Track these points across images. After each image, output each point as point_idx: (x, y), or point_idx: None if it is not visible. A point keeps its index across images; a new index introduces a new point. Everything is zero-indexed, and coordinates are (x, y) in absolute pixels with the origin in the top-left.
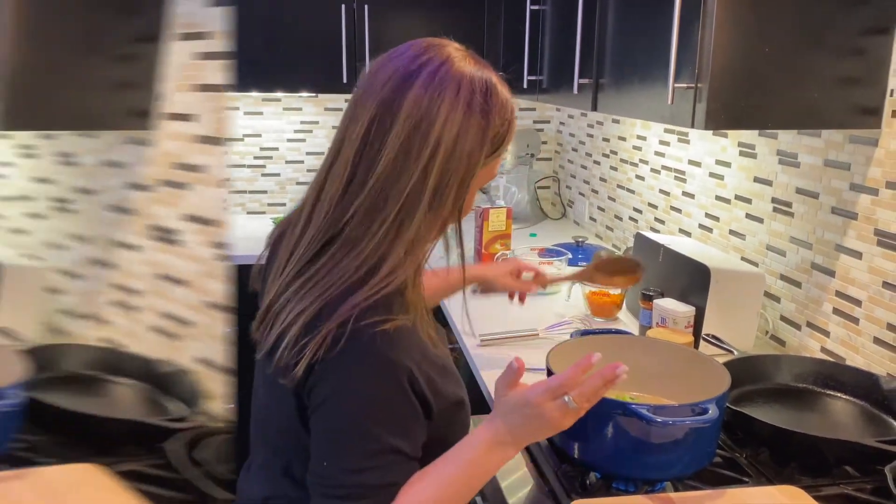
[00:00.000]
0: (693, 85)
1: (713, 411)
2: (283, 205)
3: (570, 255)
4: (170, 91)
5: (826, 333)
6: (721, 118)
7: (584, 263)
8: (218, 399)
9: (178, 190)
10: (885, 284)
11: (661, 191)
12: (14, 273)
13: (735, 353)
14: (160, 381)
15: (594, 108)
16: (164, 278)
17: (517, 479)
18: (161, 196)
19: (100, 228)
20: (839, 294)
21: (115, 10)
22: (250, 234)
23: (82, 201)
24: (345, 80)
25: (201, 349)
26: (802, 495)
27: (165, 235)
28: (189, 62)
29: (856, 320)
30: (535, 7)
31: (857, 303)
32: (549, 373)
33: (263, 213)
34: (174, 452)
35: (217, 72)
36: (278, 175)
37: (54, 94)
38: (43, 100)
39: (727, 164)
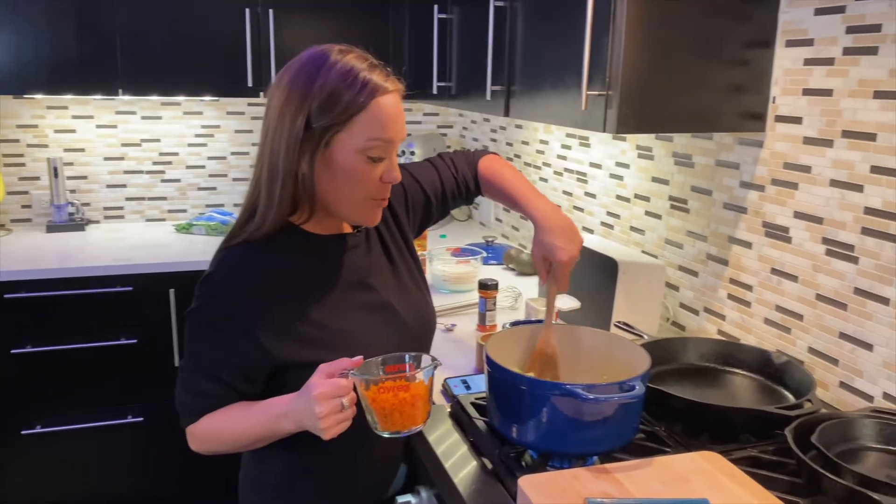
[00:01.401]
0: (604, 92)
1: (639, 388)
2: (184, 211)
3: (485, 254)
4: (779, 94)
5: (722, 317)
6: (630, 123)
7: (496, 262)
8: (828, 387)
9: (788, 189)
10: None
11: (565, 192)
12: (631, 269)
13: (645, 337)
14: (773, 371)
15: (507, 114)
16: (775, 273)
17: (463, 463)
18: (772, 195)
19: (714, 226)
20: (733, 281)
21: (731, 16)
22: (150, 241)
23: (697, 200)
24: (250, 84)
25: (811, 340)
26: (720, 459)
27: (776, 232)
28: (795, 67)
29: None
30: (443, 15)
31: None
32: (489, 359)
33: (163, 220)
34: (787, 438)
35: (823, 77)
36: (178, 181)
37: (672, 98)
38: (661, 103)
39: (626, 166)
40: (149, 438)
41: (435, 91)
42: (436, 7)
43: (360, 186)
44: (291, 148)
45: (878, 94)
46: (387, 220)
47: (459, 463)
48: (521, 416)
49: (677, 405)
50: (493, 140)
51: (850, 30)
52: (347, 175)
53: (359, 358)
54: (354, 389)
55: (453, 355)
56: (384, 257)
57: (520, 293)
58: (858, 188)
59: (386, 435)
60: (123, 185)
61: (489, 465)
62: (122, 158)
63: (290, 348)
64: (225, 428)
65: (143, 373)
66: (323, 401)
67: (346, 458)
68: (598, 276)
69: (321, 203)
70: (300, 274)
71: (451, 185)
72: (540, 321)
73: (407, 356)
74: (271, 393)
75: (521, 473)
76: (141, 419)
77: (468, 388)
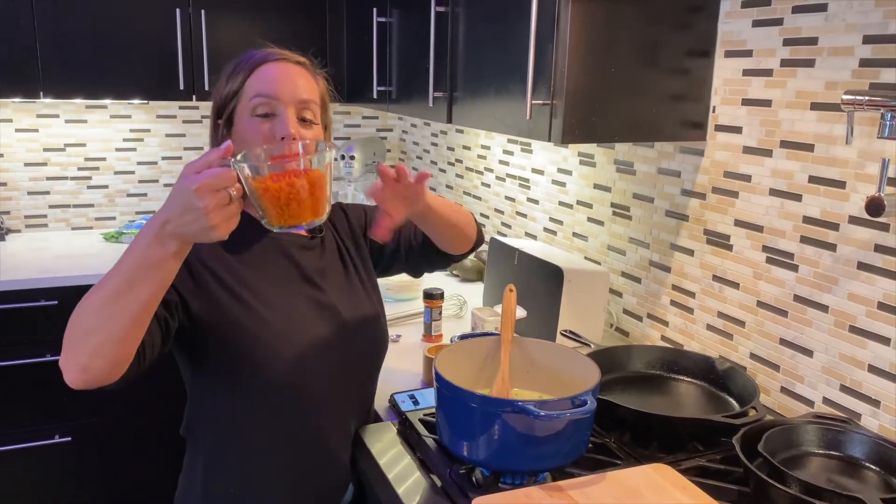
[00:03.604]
0: (549, 101)
1: (591, 402)
2: (113, 218)
3: None
4: (719, 104)
5: (665, 323)
6: (575, 132)
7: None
8: (769, 392)
9: (729, 197)
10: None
11: (507, 197)
12: (576, 276)
13: (592, 346)
14: (716, 377)
15: (449, 121)
16: (717, 280)
17: (412, 483)
18: (713, 203)
19: (656, 233)
20: (675, 287)
21: (671, 26)
22: (76, 251)
23: (639, 207)
24: (181, 87)
25: (753, 346)
26: (671, 471)
27: (717, 240)
28: (734, 77)
29: (690, 310)
30: (382, 19)
31: (691, 294)
32: (438, 376)
33: (91, 228)
34: (735, 448)
35: (761, 87)
36: (106, 187)
37: (615, 107)
38: (605, 112)
39: (569, 173)
40: (78, 459)
41: (375, 95)
42: (375, 10)
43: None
44: (213, 143)
45: (815, 106)
46: (345, 233)
47: (408, 482)
48: (472, 434)
49: (625, 416)
50: (434, 144)
51: (788, 42)
52: (243, 139)
53: (228, 143)
54: (239, 181)
55: (400, 368)
56: (340, 265)
57: (465, 301)
58: (797, 197)
59: (277, 229)
60: (47, 192)
61: (439, 484)
62: (44, 164)
63: (223, 304)
64: (91, 291)
65: (71, 391)
66: (207, 193)
67: (289, 481)
68: (544, 284)
69: None
70: (255, 254)
71: (409, 232)
72: (488, 333)
73: (300, 144)
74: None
75: (473, 492)
76: (69, 439)
77: (416, 403)
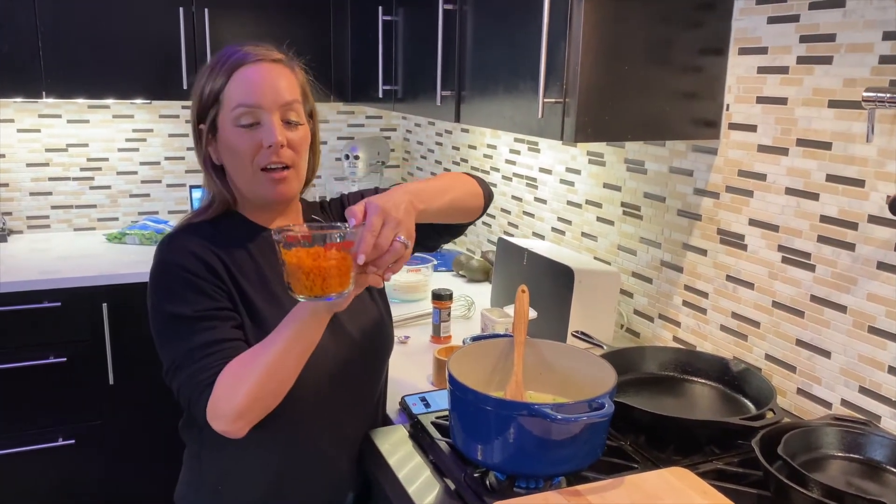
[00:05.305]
0: (561, 100)
1: (608, 406)
2: (116, 219)
3: (435, 262)
4: (733, 102)
5: (677, 324)
6: (588, 131)
7: (446, 269)
8: (785, 394)
9: (743, 196)
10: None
11: (514, 197)
12: (586, 277)
13: (604, 347)
14: (731, 379)
15: (458, 120)
16: (731, 280)
17: (426, 487)
18: (726, 202)
19: (668, 233)
20: (688, 288)
21: (684, 23)
22: (79, 252)
23: (650, 207)
24: (185, 87)
25: (768, 347)
26: (690, 475)
27: (731, 239)
28: (749, 75)
29: (703, 311)
30: (388, 17)
31: (704, 295)
32: (452, 379)
33: (93, 229)
34: (755, 451)
35: (776, 85)
36: (109, 188)
37: (628, 105)
38: (618, 111)
39: (577, 172)
40: (81, 462)
41: (380, 94)
42: (380, 8)
43: (240, 157)
44: (197, 147)
45: (833, 104)
46: None
47: (422, 485)
48: (487, 438)
49: (641, 418)
50: (439, 144)
51: (804, 39)
52: (230, 149)
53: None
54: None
55: (409, 369)
56: None
57: (473, 302)
58: (814, 196)
59: (302, 298)
60: (49, 193)
61: (453, 487)
62: (46, 164)
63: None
64: (254, 351)
65: (75, 393)
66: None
67: (275, 482)
68: (554, 285)
69: (236, 189)
70: (244, 259)
71: None
72: (500, 335)
73: (338, 227)
74: None
75: (488, 496)
76: (72, 441)
77: (427, 405)
